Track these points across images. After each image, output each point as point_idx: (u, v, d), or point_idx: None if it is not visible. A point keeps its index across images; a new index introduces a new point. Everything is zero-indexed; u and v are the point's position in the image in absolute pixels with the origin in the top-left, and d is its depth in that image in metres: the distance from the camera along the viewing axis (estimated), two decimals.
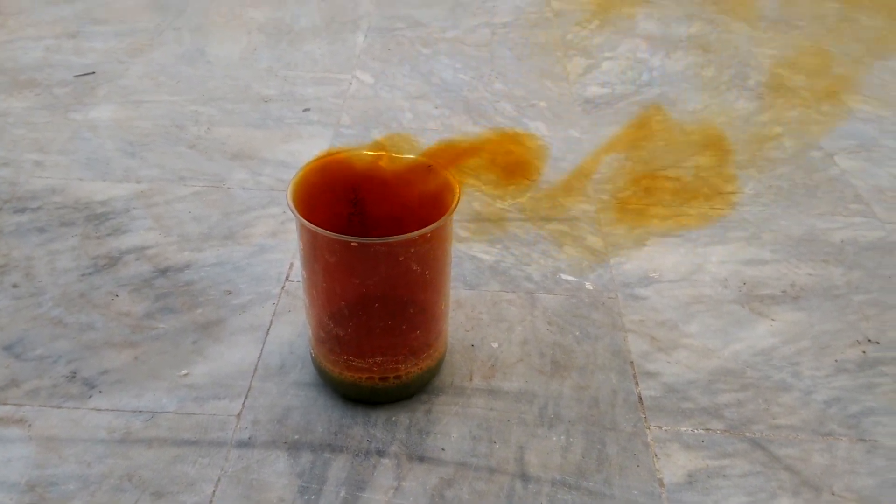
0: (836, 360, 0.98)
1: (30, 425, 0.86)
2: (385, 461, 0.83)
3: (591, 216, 1.24)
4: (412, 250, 0.77)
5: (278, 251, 1.14)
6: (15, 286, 1.06)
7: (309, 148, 1.41)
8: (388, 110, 1.55)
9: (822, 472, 0.84)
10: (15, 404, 0.89)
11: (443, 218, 0.77)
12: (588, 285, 1.10)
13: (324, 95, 1.60)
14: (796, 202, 1.29)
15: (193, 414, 0.88)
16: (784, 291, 1.09)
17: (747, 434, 0.88)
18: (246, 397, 0.90)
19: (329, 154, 0.85)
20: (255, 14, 1.99)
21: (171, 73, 1.67)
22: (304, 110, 1.54)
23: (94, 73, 1.66)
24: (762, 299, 1.08)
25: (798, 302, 1.08)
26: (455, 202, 0.78)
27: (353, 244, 0.75)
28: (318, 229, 0.75)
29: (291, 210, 0.77)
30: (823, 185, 1.34)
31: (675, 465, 0.84)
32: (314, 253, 0.79)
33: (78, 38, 1.82)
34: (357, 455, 0.84)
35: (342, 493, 0.80)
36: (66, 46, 1.78)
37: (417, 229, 0.76)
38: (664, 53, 1.82)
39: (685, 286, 1.10)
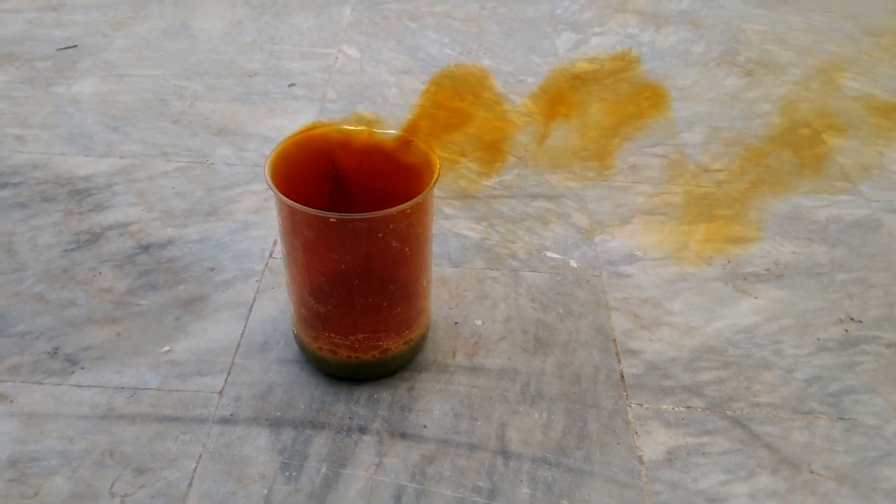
0: (819, 339, 0.99)
1: (11, 401, 0.86)
2: (367, 438, 0.83)
3: (577, 193, 1.24)
4: (391, 226, 0.77)
5: (262, 227, 1.13)
6: None
7: (294, 123, 1.39)
8: (374, 85, 1.53)
9: (801, 450, 0.84)
10: None
11: (422, 194, 0.76)
12: (573, 263, 1.09)
13: (309, 70, 1.58)
14: (783, 180, 1.29)
15: (176, 390, 0.88)
16: (768, 269, 1.10)
17: (728, 412, 0.88)
18: (228, 374, 0.90)
19: (308, 129, 0.84)
20: None
21: (155, 46, 1.65)
22: (290, 85, 1.52)
23: (76, 46, 1.64)
24: (746, 277, 1.08)
25: (781, 280, 1.08)
26: (435, 178, 0.77)
27: (331, 220, 0.74)
28: (296, 205, 0.74)
29: (269, 185, 0.76)
30: (810, 162, 1.34)
31: (655, 442, 0.84)
32: (293, 229, 0.79)
33: (60, 10, 1.79)
34: (339, 432, 0.84)
35: (323, 470, 0.80)
36: (48, 19, 1.75)
37: (397, 205, 0.75)
38: (654, 29, 1.81)
39: (669, 264, 1.10)
